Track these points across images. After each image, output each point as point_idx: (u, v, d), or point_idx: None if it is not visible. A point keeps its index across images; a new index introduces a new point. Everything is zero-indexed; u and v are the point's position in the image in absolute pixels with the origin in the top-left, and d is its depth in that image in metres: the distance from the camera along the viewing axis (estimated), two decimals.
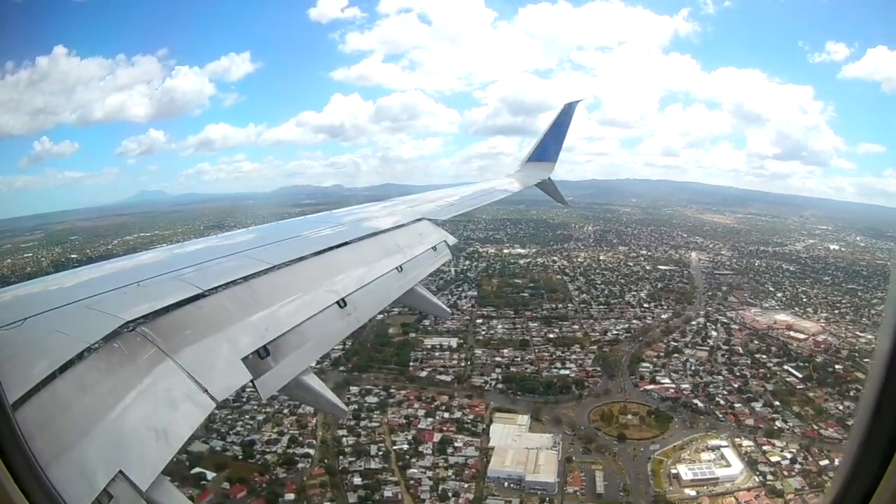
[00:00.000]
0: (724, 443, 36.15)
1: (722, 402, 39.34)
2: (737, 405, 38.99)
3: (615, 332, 48.05)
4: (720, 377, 41.56)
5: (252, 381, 3.11)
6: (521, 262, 66.27)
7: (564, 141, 13.18)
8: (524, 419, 38.75)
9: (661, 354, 44.52)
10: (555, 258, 66.96)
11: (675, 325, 48.34)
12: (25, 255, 71.65)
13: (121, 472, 2.25)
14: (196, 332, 3.17)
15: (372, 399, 41.50)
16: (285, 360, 3.41)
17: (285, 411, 40.71)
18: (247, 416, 40.06)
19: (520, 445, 36.22)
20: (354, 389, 42.75)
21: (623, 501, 32.56)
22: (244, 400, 41.45)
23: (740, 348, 44.55)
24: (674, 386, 41.10)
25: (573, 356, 45.15)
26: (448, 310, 6.69)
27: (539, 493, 33.06)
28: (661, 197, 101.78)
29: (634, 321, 49.44)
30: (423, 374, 44.23)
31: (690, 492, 33.13)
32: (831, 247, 64.56)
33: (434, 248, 6.15)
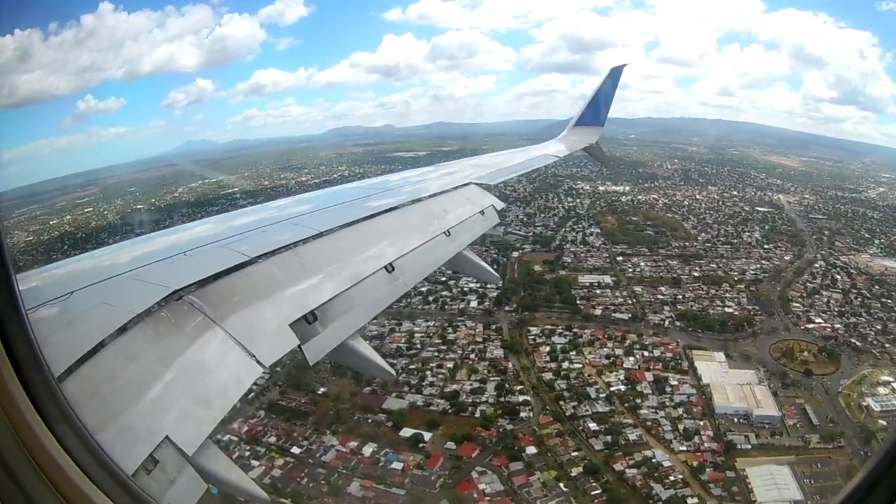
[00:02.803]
0: (891, 378, 39.77)
1: (874, 341, 42.69)
2: (887, 345, 42.56)
3: (751, 271, 49.79)
4: (862, 318, 44.75)
5: (299, 345, 3.16)
6: (623, 199, 66.58)
7: (611, 105, 13.47)
8: (720, 356, 39.83)
9: (804, 295, 47.12)
10: (654, 196, 67.99)
11: (801, 268, 50.78)
12: (86, 210, 68.22)
13: (167, 437, 2.28)
14: (243, 299, 3.19)
15: (559, 339, 40.82)
16: (333, 325, 3.44)
17: (472, 356, 38.78)
18: (433, 365, 37.70)
19: (730, 381, 37.61)
20: (535, 330, 42.03)
21: (838, 431, 35.20)
22: (418, 347, 39.03)
23: (866, 292, 47.85)
24: (828, 325, 44.00)
25: (727, 295, 46.55)
26: (496, 274, 6.37)
27: (767, 426, 34.79)
28: (721, 136, 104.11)
29: (763, 261, 51.48)
30: (597, 312, 43.94)
31: (883, 422, 36.51)
32: None
33: (482, 212, 6.15)
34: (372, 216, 4.91)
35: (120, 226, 55.50)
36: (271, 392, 36.99)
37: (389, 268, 4.17)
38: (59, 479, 1.73)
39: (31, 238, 53.85)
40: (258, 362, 2.86)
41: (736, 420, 35.70)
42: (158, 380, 2.53)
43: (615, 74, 13.56)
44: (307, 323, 3.28)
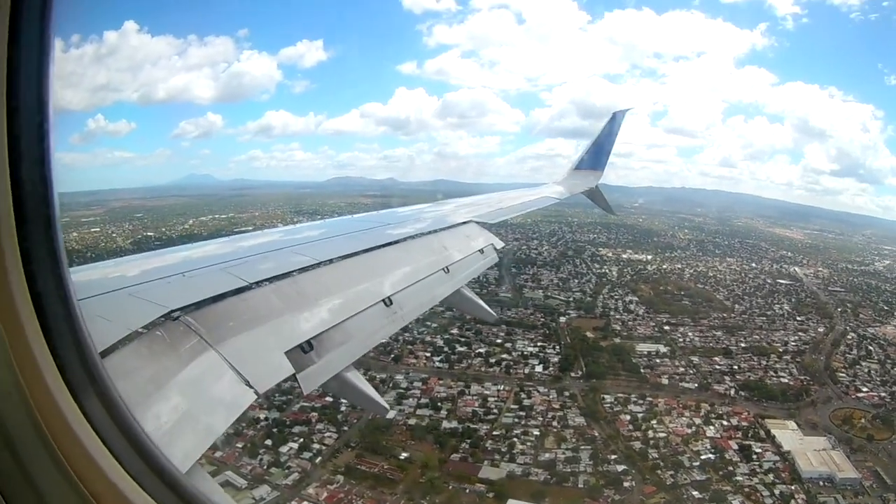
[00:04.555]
0: None
1: None
2: None
3: (792, 343, 58.44)
4: None
5: (294, 374, 3.53)
6: (649, 268, 74.69)
7: (612, 150, 15.09)
8: (792, 424, 46.62)
9: (846, 365, 55.89)
10: (677, 266, 76.67)
11: (836, 339, 60.39)
12: (93, 230, 74.65)
13: None
14: (240, 323, 3.57)
15: (635, 408, 45.84)
16: (329, 356, 3.85)
17: (554, 423, 43.19)
18: (518, 432, 41.72)
19: (808, 448, 43.98)
20: (609, 398, 46.62)
21: None
22: (496, 412, 43.00)
23: None
24: (875, 394, 52.58)
25: (777, 365, 54.29)
26: (493, 313, 7.30)
27: (849, 488, 41.22)
28: (723, 207, 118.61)
29: (800, 333, 60.42)
30: (664, 381, 49.66)
31: None
32: None
33: (481, 250, 7.00)
34: (371, 249, 5.48)
35: (132, 251, 56.02)
36: (344, 454, 38.92)
37: (388, 301, 4.64)
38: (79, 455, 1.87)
39: None
40: (252, 388, 3.14)
41: (821, 483, 41.72)
42: (151, 399, 2.77)
43: (617, 119, 15.09)
44: (303, 352, 3.62)
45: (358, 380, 4.15)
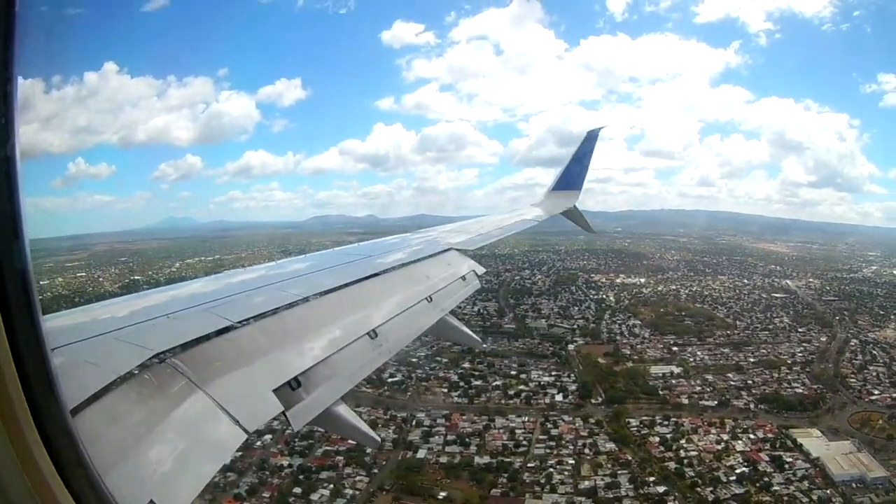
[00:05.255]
0: None
1: None
2: None
3: (799, 354, 62.08)
4: None
5: (283, 412, 3.70)
6: (645, 291, 78.03)
7: (588, 169, 15.51)
8: (816, 431, 49.37)
9: (854, 371, 59.67)
10: (672, 287, 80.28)
11: (840, 347, 64.46)
12: (78, 275, 76.95)
13: (151, 501, 2.63)
14: (226, 363, 3.74)
15: (662, 429, 47.71)
16: (317, 392, 4.02)
17: (586, 451, 44.67)
18: (552, 462, 42.97)
19: (835, 452, 46.58)
20: (634, 422, 48.41)
21: None
22: (525, 444, 44.26)
23: None
24: (887, 395, 56.25)
25: (788, 377, 57.51)
26: (479, 340, 7.66)
27: (881, 486, 43.83)
28: (705, 227, 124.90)
29: (804, 344, 64.19)
30: (684, 401, 51.91)
31: None
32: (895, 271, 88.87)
33: (463, 277, 7.30)
34: (354, 282, 5.74)
35: (120, 295, 56.57)
36: (380, 498, 38.83)
37: (373, 334, 4.91)
38: None
39: None
40: (242, 428, 3.30)
41: (854, 485, 44.22)
42: (142, 443, 2.90)
43: (591, 138, 15.53)
44: (291, 389, 3.84)
45: (348, 413, 4.37)
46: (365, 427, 4.59)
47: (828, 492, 42.14)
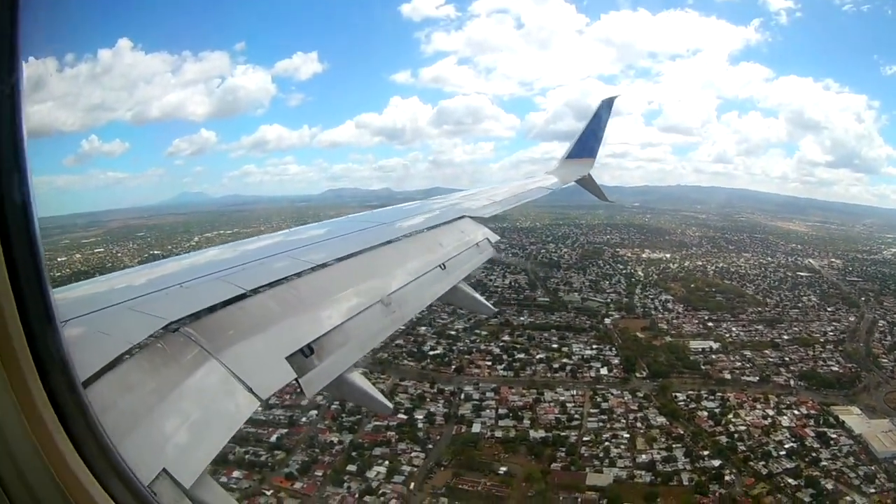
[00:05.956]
0: None
1: None
2: None
3: (831, 333, 63.57)
4: None
5: (297, 379, 3.75)
6: (672, 266, 79.24)
7: (603, 137, 15.64)
8: (856, 409, 50.89)
9: (885, 351, 61.33)
10: (698, 262, 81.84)
11: (869, 328, 66.04)
12: (96, 251, 78.85)
13: (164, 469, 2.69)
14: (240, 332, 3.81)
15: (708, 404, 48.85)
16: (330, 359, 4.09)
17: (638, 424, 45.55)
18: (607, 436, 43.79)
19: (877, 430, 48.19)
20: (681, 396, 49.43)
21: None
22: (578, 418, 44.98)
23: None
24: None
25: (823, 355, 58.96)
26: (492, 307, 7.73)
27: None
28: (722, 204, 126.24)
29: (834, 323, 65.72)
30: (727, 376, 53.07)
31: None
32: None
33: (477, 244, 7.39)
34: (367, 250, 5.81)
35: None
36: (438, 474, 39.55)
37: (386, 301, 4.98)
38: (77, 490, 2.05)
39: None
40: (255, 395, 3.36)
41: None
42: (155, 412, 2.96)
43: (606, 106, 15.68)
44: (304, 356, 3.90)
45: (360, 381, 4.49)
46: (377, 394, 4.69)
47: (872, 468, 43.63)
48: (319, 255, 5.32)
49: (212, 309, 3.82)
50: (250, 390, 3.38)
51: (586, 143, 15.28)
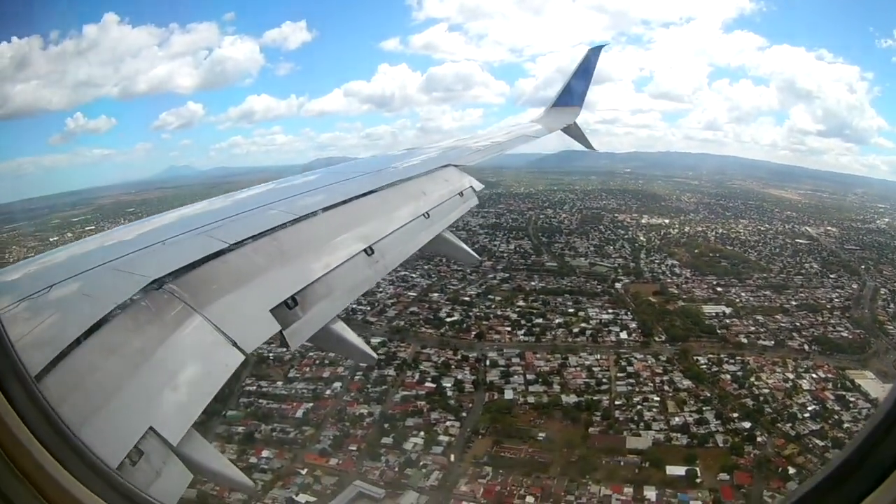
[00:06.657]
0: None
1: None
2: None
3: (836, 299, 64.39)
4: None
5: (281, 331, 3.83)
6: (672, 231, 79.81)
7: (590, 86, 15.69)
8: (870, 374, 51.57)
9: (890, 318, 62.51)
10: (698, 228, 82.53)
11: (872, 295, 67.12)
12: (87, 229, 76.53)
13: (151, 428, 2.73)
14: (223, 286, 3.84)
15: (730, 367, 48.95)
16: (313, 310, 4.14)
17: (666, 388, 45.12)
18: (638, 399, 43.50)
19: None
20: (702, 360, 49.35)
21: None
22: (606, 382, 44.31)
23: None
24: None
25: (831, 321, 59.67)
26: (476, 255, 7.79)
27: None
28: (714, 170, 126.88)
29: (838, 290, 66.64)
30: (743, 340, 53.15)
31: None
32: None
33: (461, 193, 7.52)
34: (350, 200, 5.78)
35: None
36: (477, 443, 38.38)
37: (369, 251, 4.95)
38: (42, 480, 2.05)
39: (32, 254, 48.86)
40: (240, 349, 3.41)
41: None
42: (141, 370, 2.98)
43: (593, 55, 15.77)
44: (287, 308, 3.93)
45: (344, 331, 4.48)
46: (362, 344, 4.71)
47: None
48: (302, 206, 5.29)
49: (195, 264, 3.84)
50: (234, 344, 3.43)
51: (573, 92, 15.18)
